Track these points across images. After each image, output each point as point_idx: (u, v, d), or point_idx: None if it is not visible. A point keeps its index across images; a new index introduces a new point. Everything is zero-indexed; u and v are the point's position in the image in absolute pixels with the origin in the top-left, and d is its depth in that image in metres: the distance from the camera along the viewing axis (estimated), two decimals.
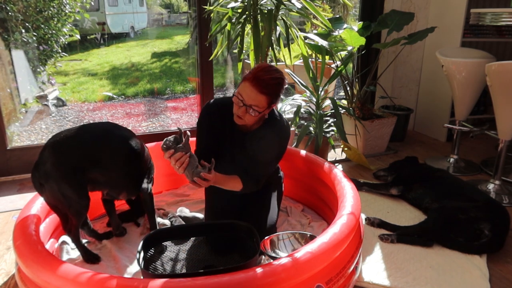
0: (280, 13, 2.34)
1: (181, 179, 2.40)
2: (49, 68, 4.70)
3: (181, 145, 1.47)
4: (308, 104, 2.76)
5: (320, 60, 2.66)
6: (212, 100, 1.77)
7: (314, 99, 2.71)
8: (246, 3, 2.30)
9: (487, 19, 2.64)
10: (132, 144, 1.73)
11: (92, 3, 6.39)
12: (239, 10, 2.33)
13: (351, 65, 3.08)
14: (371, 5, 3.38)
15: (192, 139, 1.68)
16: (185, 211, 2.08)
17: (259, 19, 2.30)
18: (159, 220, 1.99)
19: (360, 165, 2.88)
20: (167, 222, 1.99)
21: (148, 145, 2.28)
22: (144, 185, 1.82)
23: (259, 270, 1.23)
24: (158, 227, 1.91)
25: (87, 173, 1.62)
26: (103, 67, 6.85)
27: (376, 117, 3.03)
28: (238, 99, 1.59)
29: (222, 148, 1.78)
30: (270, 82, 1.56)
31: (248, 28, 2.39)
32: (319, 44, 2.57)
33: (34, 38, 4.22)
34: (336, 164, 2.89)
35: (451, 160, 2.87)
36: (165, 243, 1.66)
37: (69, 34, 4.58)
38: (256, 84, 1.55)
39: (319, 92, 2.70)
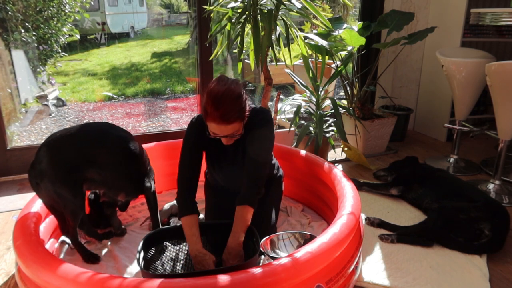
0: (280, 13, 2.34)
1: None
2: (49, 68, 4.71)
3: None
4: (308, 104, 2.76)
5: (320, 60, 2.66)
6: (195, 117, 1.72)
7: (314, 99, 2.71)
8: (246, 3, 2.30)
9: (487, 19, 2.64)
10: (129, 144, 1.72)
11: (92, 3, 6.40)
12: (239, 10, 2.33)
13: (351, 65, 3.08)
14: (371, 5, 3.38)
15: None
16: None
17: (259, 19, 2.30)
18: (174, 202, 2.06)
19: (360, 165, 2.88)
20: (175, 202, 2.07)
21: (148, 145, 2.28)
22: (147, 184, 1.81)
23: (259, 270, 1.23)
24: (170, 213, 2.01)
25: (83, 173, 1.62)
26: (103, 67, 6.85)
27: (376, 117, 3.03)
28: (215, 135, 1.55)
29: (218, 160, 1.77)
30: (229, 108, 1.47)
31: (248, 28, 2.39)
32: (319, 44, 2.57)
33: (34, 38, 4.22)
34: (336, 164, 2.89)
35: (451, 160, 2.87)
36: (165, 243, 1.66)
37: (69, 34, 4.59)
38: (220, 120, 1.48)
39: (319, 92, 2.70)
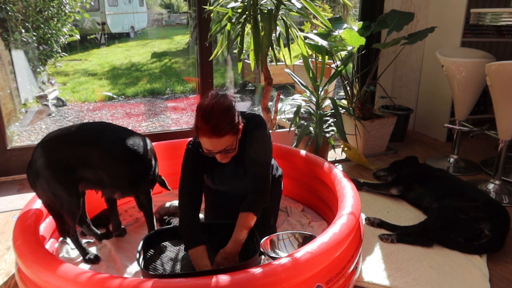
0: (280, 13, 2.34)
1: None
2: (49, 68, 4.71)
3: None
4: (308, 104, 2.76)
5: (320, 60, 2.66)
6: (190, 142, 1.68)
7: (314, 99, 2.71)
8: (246, 3, 2.30)
9: (487, 19, 2.64)
10: (126, 145, 1.70)
11: (92, 3, 6.40)
12: (239, 10, 2.33)
13: (351, 65, 3.08)
14: (371, 5, 3.38)
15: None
16: None
17: (259, 19, 2.30)
18: (172, 202, 2.07)
19: (360, 165, 2.88)
20: (176, 203, 2.06)
21: None
22: (145, 187, 1.79)
23: (259, 270, 1.23)
24: (168, 211, 2.02)
25: (78, 172, 1.61)
26: (103, 67, 6.85)
27: (376, 117, 3.03)
28: (209, 152, 1.53)
29: (220, 179, 1.76)
30: (220, 121, 1.45)
31: (248, 28, 2.39)
32: (319, 44, 2.57)
33: (34, 38, 4.22)
34: (336, 164, 2.89)
35: (451, 160, 2.87)
36: (165, 243, 1.66)
37: (69, 34, 4.59)
38: (211, 134, 1.45)
39: (319, 92, 2.70)
